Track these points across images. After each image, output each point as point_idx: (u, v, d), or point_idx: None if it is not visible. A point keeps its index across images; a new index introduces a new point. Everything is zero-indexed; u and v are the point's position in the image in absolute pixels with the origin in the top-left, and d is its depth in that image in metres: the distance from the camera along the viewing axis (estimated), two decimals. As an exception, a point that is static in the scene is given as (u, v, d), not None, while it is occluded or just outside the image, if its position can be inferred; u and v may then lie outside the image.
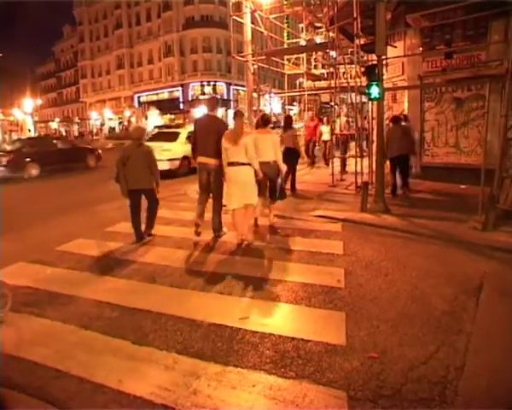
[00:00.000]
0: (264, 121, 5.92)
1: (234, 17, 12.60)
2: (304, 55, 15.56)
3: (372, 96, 6.86)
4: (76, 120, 61.66)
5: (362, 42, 8.94)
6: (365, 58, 10.95)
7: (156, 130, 17.51)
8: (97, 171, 14.87)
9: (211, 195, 5.55)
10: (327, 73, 14.64)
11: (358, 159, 8.38)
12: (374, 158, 7.64)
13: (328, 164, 12.51)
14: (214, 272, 4.35)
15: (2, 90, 40.03)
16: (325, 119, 12.98)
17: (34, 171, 13.26)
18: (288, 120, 9.17)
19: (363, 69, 8.01)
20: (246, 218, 5.23)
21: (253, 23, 12.37)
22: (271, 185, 5.84)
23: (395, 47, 9.64)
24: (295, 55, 16.50)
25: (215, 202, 5.51)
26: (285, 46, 17.25)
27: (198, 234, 5.45)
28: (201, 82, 47.30)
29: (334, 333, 3.01)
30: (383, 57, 7.31)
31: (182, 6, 47.42)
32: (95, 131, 56.39)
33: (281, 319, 3.32)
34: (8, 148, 14.70)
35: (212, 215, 5.53)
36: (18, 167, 12.93)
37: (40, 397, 2.40)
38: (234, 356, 2.75)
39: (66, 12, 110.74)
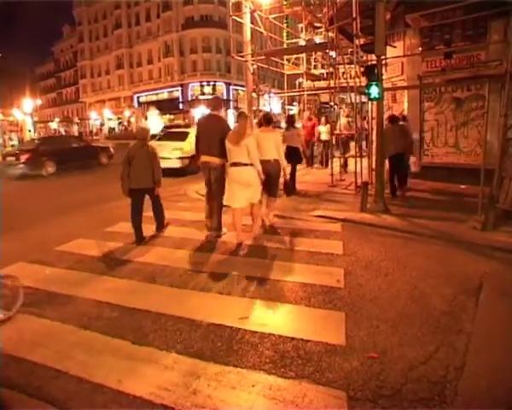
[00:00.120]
0: (266, 120, 5.95)
1: (233, 17, 12.55)
2: (303, 55, 15.53)
3: (371, 96, 6.87)
4: (76, 120, 61.56)
5: (361, 42, 8.94)
6: (365, 58, 10.95)
7: (166, 130, 17.60)
8: (109, 168, 15.22)
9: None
10: (326, 73, 14.58)
11: (358, 159, 8.39)
12: (373, 158, 7.64)
13: (323, 165, 12.53)
14: (214, 272, 4.35)
15: (2, 91, 39.98)
16: (323, 118, 12.90)
17: (50, 168, 13.92)
18: (291, 119, 9.36)
19: (362, 69, 7.99)
20: (253, 215, 5.39)
21: (252, 23, 12.33)
22: (272, 183, 5.85)
23: (394, 47, 9.64)
24: (295, 55, 16.47)
25: (215, 201, 5.52)
26: (284, 46, 17.17)
27: (210, 230, 5.58)
28: (201, 82, 47.25)
29: (334, 333, 3.01)
30: (382, 57, 7.31)
31: (181, 6, 47.36)
32: (94, 131, 56.37)
33: (280, 319, 3.32)
34: (26, 147, 15.34)
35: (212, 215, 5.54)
36: (36, 165, 13.54)
37: (40, 397, 2.41)
38: (233, 356, 2.75)
39: (66, 12, 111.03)
